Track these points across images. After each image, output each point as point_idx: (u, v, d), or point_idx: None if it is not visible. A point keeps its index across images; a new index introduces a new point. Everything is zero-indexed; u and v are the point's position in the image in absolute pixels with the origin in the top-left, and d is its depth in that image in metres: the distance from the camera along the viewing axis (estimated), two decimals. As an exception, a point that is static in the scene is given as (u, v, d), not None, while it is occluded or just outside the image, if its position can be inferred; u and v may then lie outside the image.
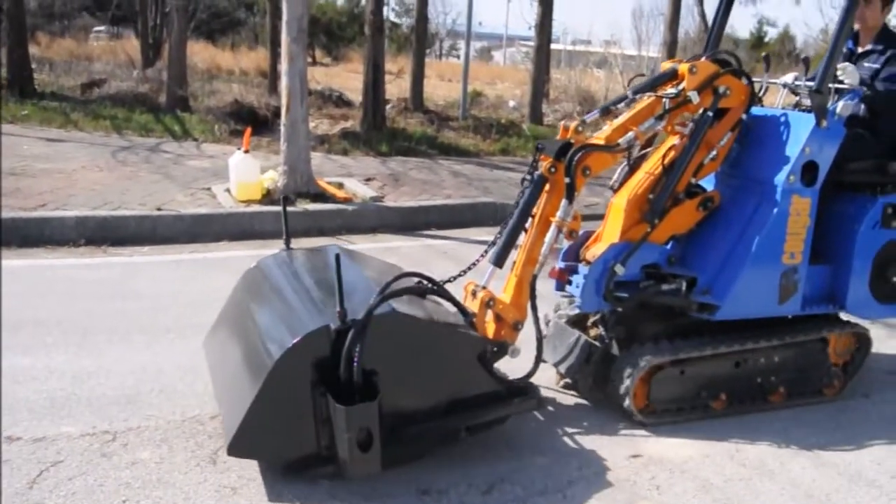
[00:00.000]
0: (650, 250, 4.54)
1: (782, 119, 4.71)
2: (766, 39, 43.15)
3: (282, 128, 9.40)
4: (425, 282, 4.18)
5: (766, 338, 4.74)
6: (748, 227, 4.58)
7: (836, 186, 4.79)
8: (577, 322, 4.97)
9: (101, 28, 39.35)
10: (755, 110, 4.82)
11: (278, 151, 9.67)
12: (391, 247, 8.10)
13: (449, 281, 4.45)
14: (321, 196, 9.26)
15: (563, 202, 4.30)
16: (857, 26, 5.14)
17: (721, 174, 4.88)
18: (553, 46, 23.85)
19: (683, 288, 4.53)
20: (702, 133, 4.55)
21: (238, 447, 3.59)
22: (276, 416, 3.59)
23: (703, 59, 4.72)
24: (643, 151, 4.92)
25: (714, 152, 4.65)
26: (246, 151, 9.04)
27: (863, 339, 5.12)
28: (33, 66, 17.18)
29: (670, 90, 4.59)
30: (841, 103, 4.56)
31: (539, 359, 4.31)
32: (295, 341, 3.58)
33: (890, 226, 4.85)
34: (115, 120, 13.94)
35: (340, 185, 9.95)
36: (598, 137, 4.48)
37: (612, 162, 4.53)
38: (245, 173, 8.99)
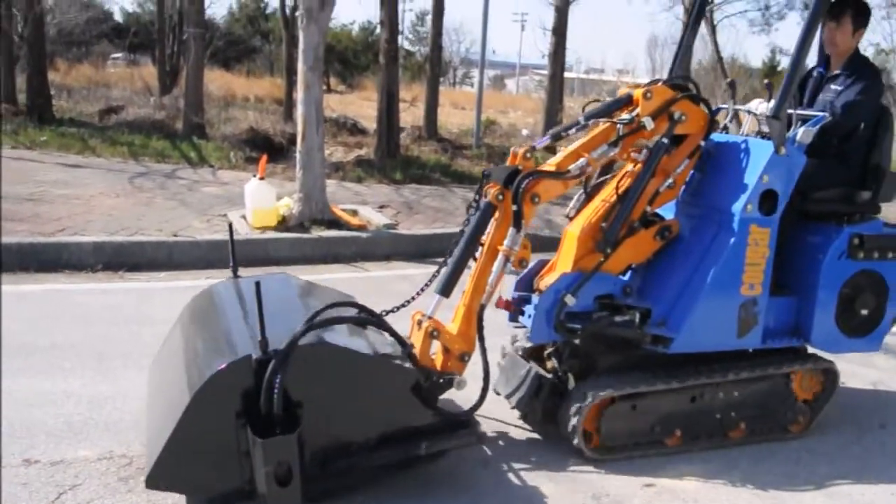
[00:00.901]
0: (604, 280, 4.39)
1: (742, 146, 4.56)
2: (780, 68, 43.25)
3: (297, 155, 9.47)
4: (362, 312, 4.07)
5: (724, 372, 4.55)
6: (705, 257, 4.42)
7: (802, 216, 4.68)
8: (534, 354, 4.82)
9: (119, 55, 39.80)
10: (717, 137, 4.71)
11: (293, 178, 9.73)
12: (405, 274, 8.12)
13: (393, 311, 4.38)
14: (336, 223, 9.31)
15: (511, 230, 4.17)
16: (828, 51, 5.02)
17: (681, 202, 4.72)
18: (566, 75, 23.97)
19: (637, 319, 4.36)
20: (656, 160, 4.40)
21: (156, 479, 3.46)
22: (197, 448, 3.46)
23: (659, 84, 4.58)
24: (600, 179, 4.78)
25: (670, 180, 4.47)
26: (262, 178, 9.10)
27: (829, 374, 4.87)
28: (52, 92, 17.36)
29: (625, 116, 4.44)
30: (801, 130, 4.43)
31: (485, 391, 4.16)
32: (214, 371, 3.45)
33: (856, 257, 4.65)
34: (132, 146, 14.07)
35: (355, 213, 10.00)
36: (550, 164, 4.35)
37: (564, 189, 4.39)
38: (261, 200, 9.05)
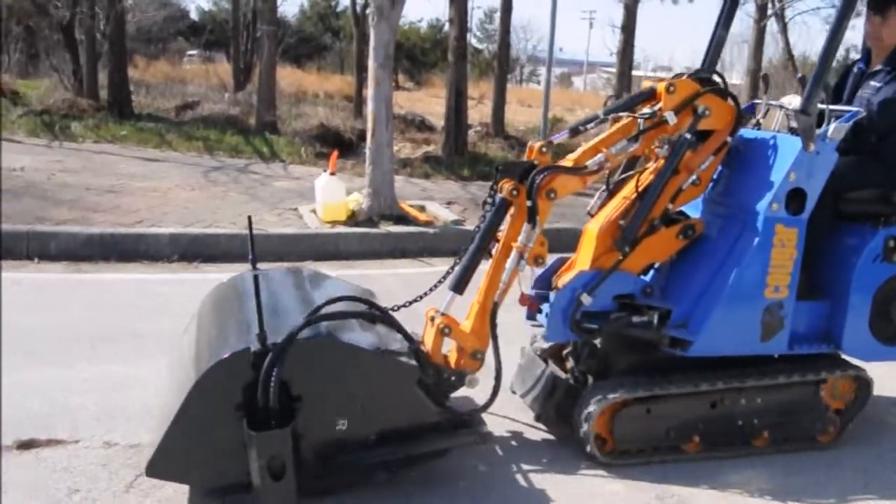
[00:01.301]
0: (623, 280, 4.23)
1: (771, 142, 4.34)
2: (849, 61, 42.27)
3: (367, 151, 9.57)
4: (371, 308, 3.98)
5: (747, 378, 4.33)
6: (729, 257, 4.22)
7: (836, 216, 4.46)
8: (554, 354, 4.70)
9: (194, 52, 40.46)
10: (746, 133, 4.51)
11: (363, 174, 9.84)
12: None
13: (405, 306, 4.31)
14: (403, 219, 9.39)
15: (526, 226, 4.04)
16: (871, 45, 4.75)
17: (708, 201, 4.53)
18: (634, 73, 23.76)
19: (655, 320, 4.19)
20: (678, 156, 4.21)
21: (156, 469, 3.45)
22: (196, 439, 3.43)
23: (684, 77, 4.40)
24: (623, 175, 4.62)
25: (694, 177, 4.27)
26: (332, 173, 9.22)
27: (862, 383, 4.59)
28: (131, 88, 17.75)
29: (646, 110, 4.26)
30: (832, 126, 4.18)
31: (496, 390, 4.04)
32: (212, 363, 3.43)
33: (892, 260, 4.39)
34: (207, 141, 14.34)
35: (422, 209, 10.08)
36: (569, 159, 4.19)
37: (582, 185, 4.23)
38: (331, 195, 9.17)
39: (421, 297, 4.37)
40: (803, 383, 4.47)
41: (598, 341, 4.41)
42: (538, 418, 4.59)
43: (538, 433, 4.60)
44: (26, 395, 4.60)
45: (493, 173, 4.22)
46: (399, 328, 3.94)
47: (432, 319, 4.04)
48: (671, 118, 4.21)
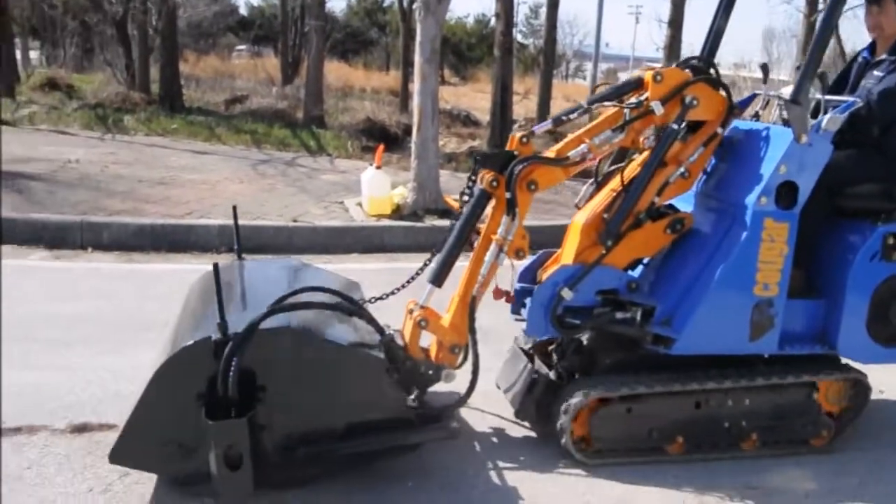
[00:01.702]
0: (607, 274, 4.07)
1: (763, 134, 4.14)
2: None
3: (412, 145, 9.60)
4: (343, 299, 3.86)
5: (735, 378, 4.14)
6: (716, 252, 4.03)
7: (834, 212, 4.25)
8: (541, 349, 4.52)
9: (243, 47, 40.85)
10: (741, 124, 4.32)
11: (408, 168, 9.87)
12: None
13: (381, 298, 4.22)
14: (448, 213, 9.39)
15: (505, 219, 3.92)
16: (873, 36, 4.57)
17: (700, 194, 4.36)
18: (680, 69, 23.50)
19: (638, 317, 4.04)
20: (665, 147, 4.04)
21: (118, 455, 3.46)
22: (158, 427, 3.42)
23: (672, 66, 4.23)
24: (613, 168, 4.44)
25: (682, 169, 4.09)
26: (378, 167, 9.26)
27: (860, 386, 4.37)
28: (182, 82, 17.96)
29: (633, 100, 4.11)
30: (827, 117, 3.95)
31: (472, 385, 3.92)
32: (173, 352, 3.43)
33: (891, 258, 4.15)
34: (255, 134, 14.47)
35: (466, 202, 10.06)
36: (552, 150, 4.08)
37: (564, 177, 4.09)
38: (377, 188, 9.21)
39: (398, 290, 4.27)
40: (795, 385, 4.28)
41: (584, 338, 4.27)
42: (517, 414, 4.41)
43: (520, 430, 4.48)
44: (79, 380, 4.69)
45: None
46: (370, 320, 3.82)
47: (411, 312, 3.96)
48: (658, 108, 4.04)
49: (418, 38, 9.54)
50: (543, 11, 19.92)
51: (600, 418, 4.10)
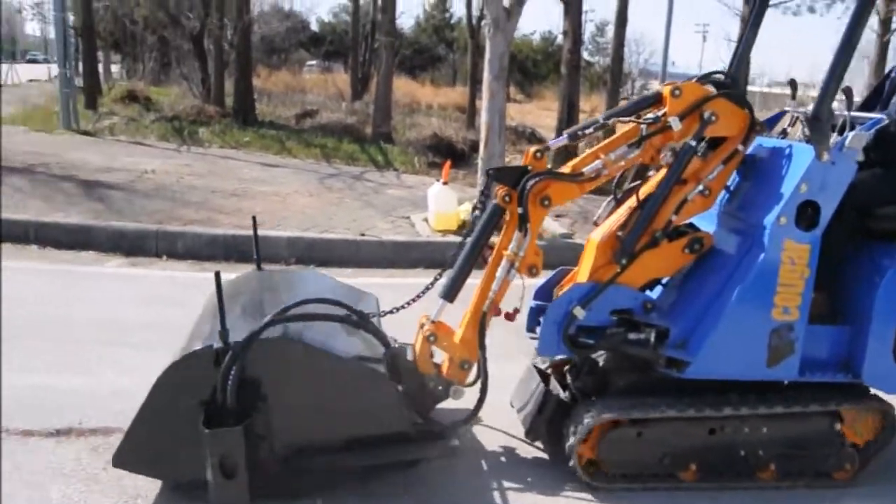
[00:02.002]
0: (622, 294, 3.90)
1: (785, 152, 3.93)
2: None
3: (479, 161, 9.60)
4: (349, 312, 3.81)
5: (751, 405, 3.94)
6: (734, 274, 3.82)
7: (863, 234, 4.00)
8: (557, 369, 4.37)
9: (314, 62, 41.37)
10: (765, 141, 4.12)
11: (474, 184, 9.89)
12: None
13: (391, 312, 4.15)
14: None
15: (517, 234, 3.81)
16: None
17: (723, 214, 4.17)
18: (749, 88, 23.22)
19: (652, 338, 3.84)
20: (682, 165, 3.85)
21: (121, 459, 3.49)
22: (160, 433, 3.42)
23: (692, 80, 4.07)
24: (633, 185, 4.27)
25: (701, 187, 3.90)
26: (445, 183, 9.27)
27: (887, 418, 4.10)
28: (255, 96, 18.24)
29: (650, 116, 3.94)
30: (852, 134, 3.71)
31: (480, 403, 3.86)
32: (176, 360, 3.45)
33: None
34: (324, 148, 14.62)
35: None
36: (567, 166, 3.94)
37: (579, 193, 3.95)
38: (443, 204, 9.22)
39: (408, 304, 4.20)
40: (817, 414, 4.05)
41: (599, 358, 4.14)
42: (528, 434, 4.28)
43: (530, 451, 4.36)
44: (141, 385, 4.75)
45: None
46: (376, 333, 3.78)
47: (422, 326, 3.89)
48: (675, 124, 3.86)
49: (487, 56, 9.55)
50: (610, 29, 19.81)
51: (610, 441, 3.95)
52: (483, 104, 9.73)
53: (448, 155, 13.26)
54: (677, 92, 3.90)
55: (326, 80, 29.30)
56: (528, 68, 46.25)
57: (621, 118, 4.03)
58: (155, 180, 10.60)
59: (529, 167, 3.89)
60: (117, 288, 6.77)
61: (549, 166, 3.98)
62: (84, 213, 8.59)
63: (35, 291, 6.50)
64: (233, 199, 9.93)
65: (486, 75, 9.59)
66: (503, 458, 4.30)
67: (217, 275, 3.43)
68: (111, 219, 8.40)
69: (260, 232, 8.12)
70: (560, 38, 17.36)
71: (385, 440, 3.64)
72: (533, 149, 3.93)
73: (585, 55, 46.57)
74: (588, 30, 50.02)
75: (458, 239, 8.76)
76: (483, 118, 9.64)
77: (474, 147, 11.79)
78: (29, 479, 3.78)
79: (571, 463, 3.95)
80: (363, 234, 8.68)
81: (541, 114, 26.09)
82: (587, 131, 4.05)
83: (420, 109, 23.76)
